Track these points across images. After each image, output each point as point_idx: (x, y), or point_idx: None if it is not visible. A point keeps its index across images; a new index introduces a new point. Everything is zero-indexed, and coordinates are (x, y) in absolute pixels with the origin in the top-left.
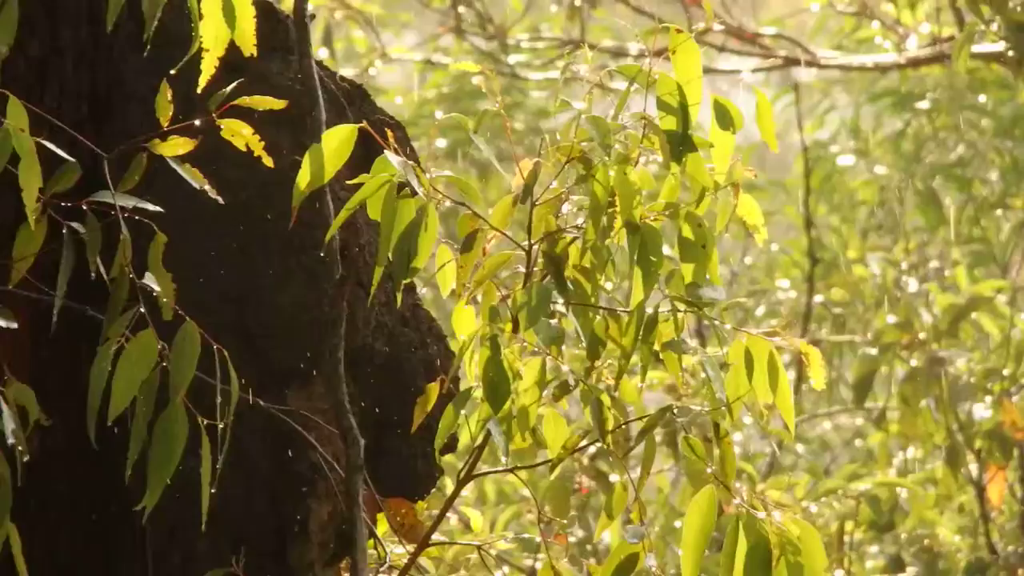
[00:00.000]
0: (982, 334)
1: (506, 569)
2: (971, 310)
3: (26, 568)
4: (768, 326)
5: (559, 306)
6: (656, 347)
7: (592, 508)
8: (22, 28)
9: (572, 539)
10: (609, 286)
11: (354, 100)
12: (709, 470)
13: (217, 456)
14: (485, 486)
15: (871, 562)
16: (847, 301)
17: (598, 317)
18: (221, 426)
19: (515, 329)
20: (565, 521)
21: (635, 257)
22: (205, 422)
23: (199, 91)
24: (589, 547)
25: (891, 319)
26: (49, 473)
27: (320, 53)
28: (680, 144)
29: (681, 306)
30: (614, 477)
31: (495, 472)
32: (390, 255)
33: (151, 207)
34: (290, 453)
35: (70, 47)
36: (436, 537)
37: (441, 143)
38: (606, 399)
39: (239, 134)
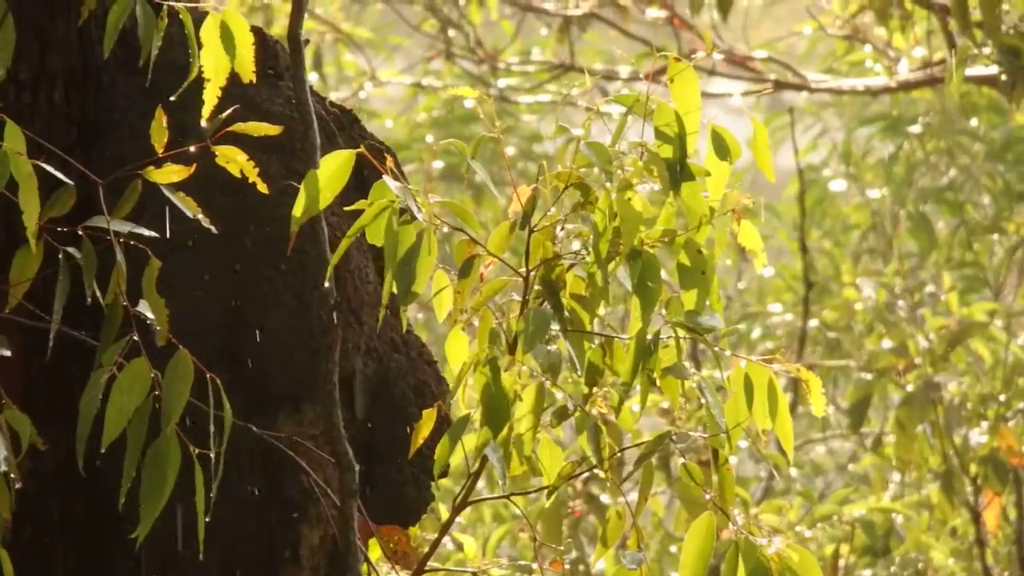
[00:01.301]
0: (974, 357)
1: None
2: (967, 335)
3: None
4: (763, 350)
5: (556, 332)
6: (655, 374)
7: (585, 531)
8: (12, 52)
9: (565, 562)
10: (604, 311)
11: (344, 125)
12: (708, 496)
13: (211, 484)
14: (481, 507)
15: None
16: (841, 326)
17: (595, 344)
18: (213, 455)
19: (512, 354)
20: (561, 548)
21: (635, 284)
22: (197, 451)
23: (204, 121)
24: (582, 567)
25: (886, 344)
26: (41, 499)
27: (310, 77)
28: (678, 173)
29: (681, 332)
30: (605, 498)
31: (490, 499)
32: (394, 281)
33: (146, 232)
34: (281, 479)
35: (60, 72)
36: (431, 564)
37: (435, 165)
38: (603, 427)
39: (234, 160)
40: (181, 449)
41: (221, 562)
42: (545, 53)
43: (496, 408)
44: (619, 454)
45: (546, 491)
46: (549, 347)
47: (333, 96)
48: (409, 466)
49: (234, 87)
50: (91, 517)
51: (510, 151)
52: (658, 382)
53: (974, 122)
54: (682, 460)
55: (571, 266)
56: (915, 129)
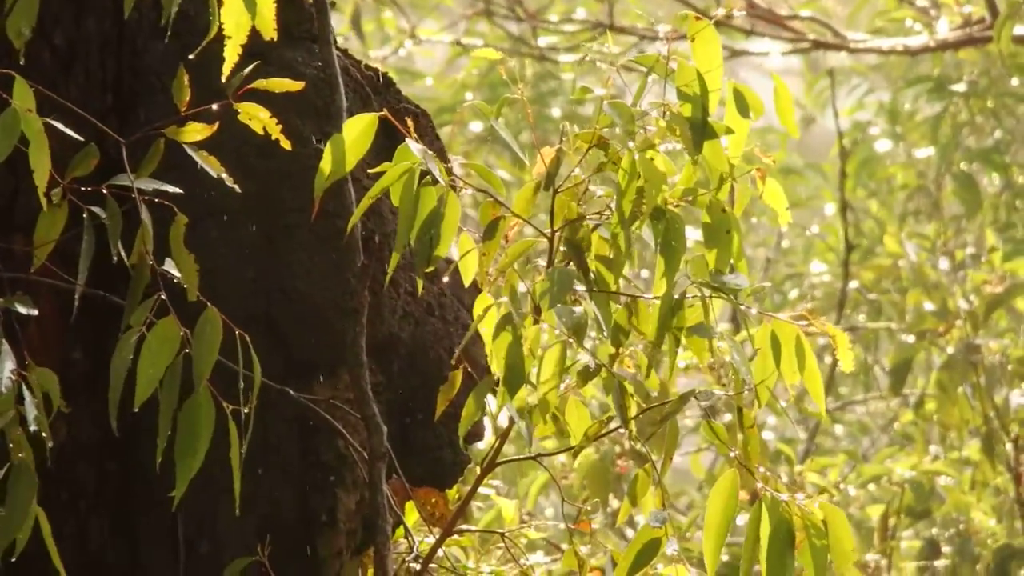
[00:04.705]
0: (1015, 315)
1: (540, 553)
2: (1010, 296)
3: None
4: (802, 310)
5: (582, 293)
6: (682, 333)
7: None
8: (47, 18)
9: (609, 510)
10: (629, 272)
11: (379, 89)
12: (732, 454)
13: (242, 442)
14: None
15: (906, 543)
16: (884, 288)
17: (619, 305)
18: (246, 412)
19: (537, 315)
20: (589, 507)
21: (659, 244)
22: (231, 408)
23: (224, 78)
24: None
25: (928, 306)
26: (78, 463)
27: (349, 36)
28: (700, 132)
29: (707, 291)
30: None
31: (519, 460)
32: (412, 243)
33: (171, 189)
34: (317, 443)
35: (95, 37)
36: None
37: (477, 127)
38: (628, 386)
39: (256, 118)
40: (216, 408)
41: (257, 526)
42: (592, 9)
43: (513, 368)
44: (649, 411)
45: (573, 451)
46: (574, 308)
47: (374, 55)
48: (445, 429)
49: (269, 49)
50: (127, 482)
51: (555, 112)
52: (683, 341)
53: (1015, 82)
54: (707, 420)
55: (596, 227)
56: (960, 88)
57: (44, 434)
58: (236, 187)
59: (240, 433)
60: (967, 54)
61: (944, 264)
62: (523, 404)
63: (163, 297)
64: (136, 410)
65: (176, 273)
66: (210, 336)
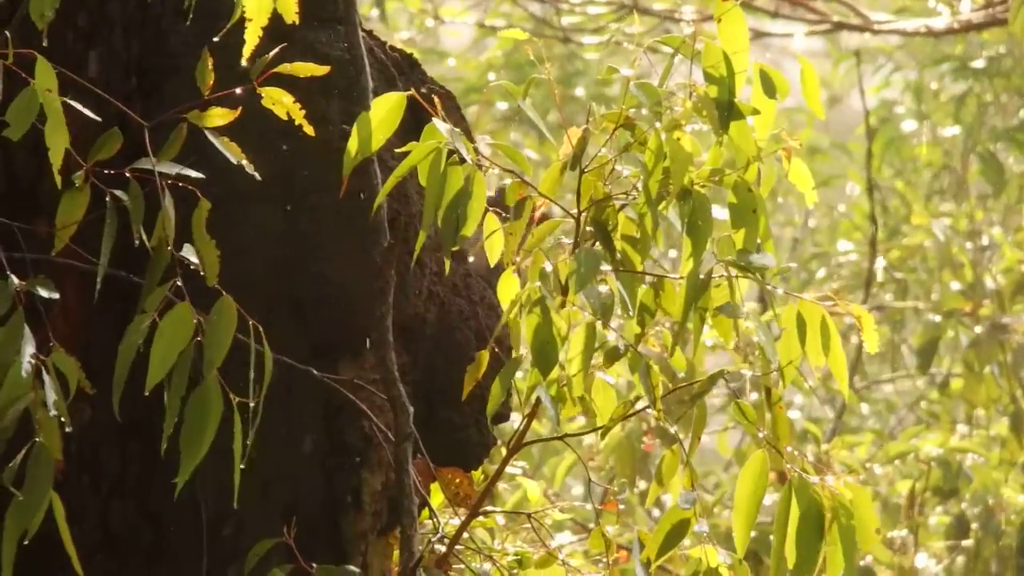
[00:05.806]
0: None
1: (567, 533)
2: None
3: (79, 539)
4: (828, 290)
5: (608, 273)
6: (708, 313)
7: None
8: None
9: (636, 490)
10: (656, 252)
11: (404, 69)
12: (761, 435)
13: (248, 431)
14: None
15: (936, 519)
16: (911, 267)
17: (645, 285)
18: (258, 400)
19: (563, 295)
20: (616, 488)
21: (685, 224)
22: (237, 400)
23: (244, 61)
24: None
25: (955, 286)
26: (101, 446)
27: (372, 14)
28: (726, 112)
29: (734, 271)
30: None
31: (545, 440)
32: (439, 223)
33: (193, 174)
34: (342, 425)
35: (118, 19)
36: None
37: (503, 107)
38: (655, 366)
39: (280, 102)
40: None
41: (282, 508)
42: None
43: (546, 349)
44: (677, 391)
45: (600, 431)
46: (600, 288)
47: (400, 36)
48: (471, 410)
49: (293, 31)
50: (150, 465)
51: (580, 92)
52: (710, 321)
53: None
54: (735, 400)
55: (622, 206)
56: (980, 64)
57: (63, 419)
58: (256, 175)
59: (247, 425)
60: (991, 34)
61: (971, 243)
62: (551, 384)
63: (179, 283)
64: (147, 394)
65: (194, 259)
66: (224, 324)
